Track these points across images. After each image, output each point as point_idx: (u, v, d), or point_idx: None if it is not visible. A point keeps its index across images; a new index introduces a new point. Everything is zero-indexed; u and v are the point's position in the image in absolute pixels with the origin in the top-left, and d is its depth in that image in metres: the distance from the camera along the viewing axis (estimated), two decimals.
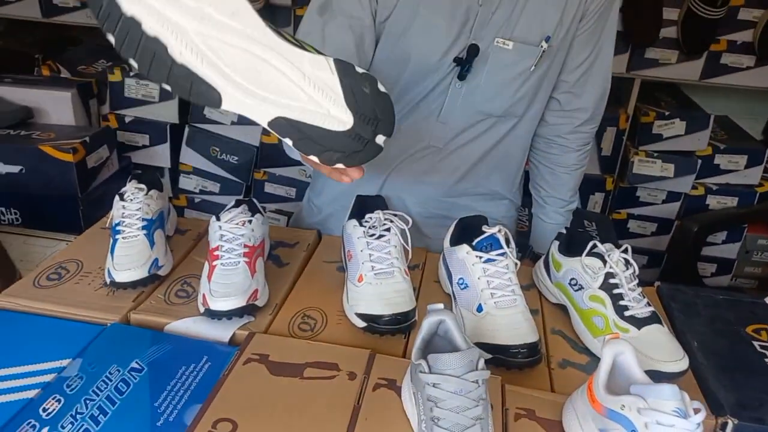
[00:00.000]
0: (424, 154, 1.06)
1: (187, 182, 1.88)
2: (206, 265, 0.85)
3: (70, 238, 1.03)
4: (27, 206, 1.47)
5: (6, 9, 1.88)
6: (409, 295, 0.82)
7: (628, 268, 0.85)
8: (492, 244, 0.84)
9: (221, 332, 0.79)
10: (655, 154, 1.87)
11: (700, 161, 1.87)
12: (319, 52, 0.63)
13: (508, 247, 0.84)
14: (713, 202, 1.96)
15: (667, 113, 1.83)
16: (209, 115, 1.73)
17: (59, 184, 1.46)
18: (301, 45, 0.62)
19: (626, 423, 0.58)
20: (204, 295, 0.80)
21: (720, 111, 2.02)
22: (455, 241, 0.90)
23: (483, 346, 0.77)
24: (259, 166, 1.81)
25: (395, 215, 0.89)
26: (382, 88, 0.65)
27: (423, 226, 1.11)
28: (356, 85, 0.64)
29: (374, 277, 0.82)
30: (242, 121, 1.73)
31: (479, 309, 0.80)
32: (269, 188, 1.84)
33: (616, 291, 0.82)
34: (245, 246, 0.84)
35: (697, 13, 1.68)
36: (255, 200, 0.96)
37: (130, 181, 0.95)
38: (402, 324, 0.79)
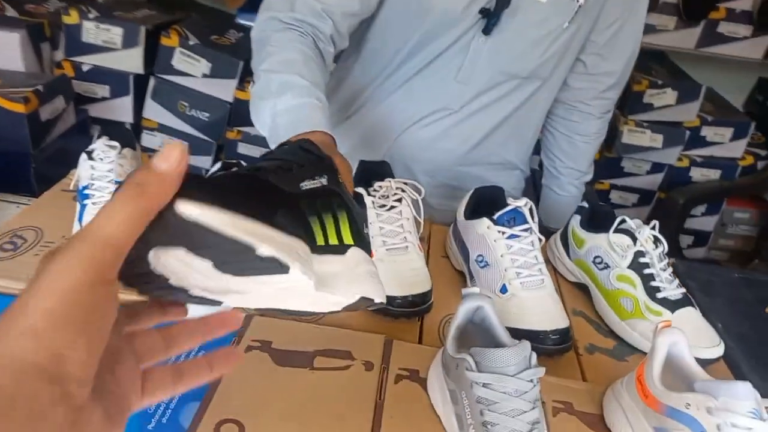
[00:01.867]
0: (437, 118, 0.96)
1: (150, 140, 1.72)
2: None
3: (22, 201, 0.89)
4: None
5: None
6: (424, 274, 0.73)
7: (657, 246, 0.78)
8: (515, 218, 0.75)
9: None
10: (645, 124, 1.82)
11: (688, 132, 1.84)
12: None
13: (532, 220, 0.76)
14: (696, 174, 1.94)
15: (660, 82, 1.78)
16: (177, 66, 1.57)
17: (8, 138, 1.29)
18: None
19: (693, 424, 0.52)
20: None
21: (706, 82, 1.99)
22: (471, 213, 0.82)
23: (508, 331, 0.69)
24: (233, 125, 1.67)
25: (406, 183, 0.80)
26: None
27: (429, 197, 1.01)
28: None
29: (386, 253, 0.73)
30: (215, 73, 1.58)
31: (503, 290, 0.72)
32: (243, 149, 1.71)
33: (646, 271, 0.76)
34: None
35: None
36: (243, 163, 0.85)
37: (99, 137, 0.82)
38: (419, 306, 0.71)
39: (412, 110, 0.96)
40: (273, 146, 0.70)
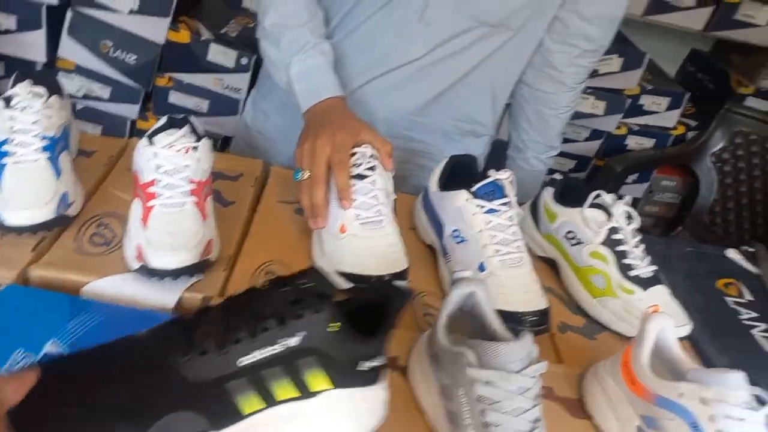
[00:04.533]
0: (400, 63, 0.89)
1: (67, 83, 1.51)
2: (137, 205, 0.65)
3: None
4: None
5: None
6: (401, 250, 0.68)
7: (630, 222, 0.78)
8: (495, 191, 0.72)
9: (163, 296, 0.61)
10: (589, 90, 1.83)
11: (629, 100, 1.87)
12: None
13: (512, 195, 0.72)
14: (632, 142, 1.98)
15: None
16: None
17: None
18: None
19: (685, 414, 0.51)
20: (139, 247, 0.61)
21: (645, 49, 2.02)
22: (446, 184, 0.77)
23: None
24: (163, 70, 1.51)
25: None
26: None
27: None
28: None
29: (360, 227, 0.67)
30: (145, 9, 1.41)
31: (481, 268, 0.69)
32: (174, 98, 1.55)
33: (619, 248, 0.75)
34: (191, 181, 0.65)
35: None
36: (193, 119, 0.75)
37: (16, 81, 0.69)
38: None
39: (375, 51, 0.89)
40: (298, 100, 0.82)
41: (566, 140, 1.97)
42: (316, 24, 0.87)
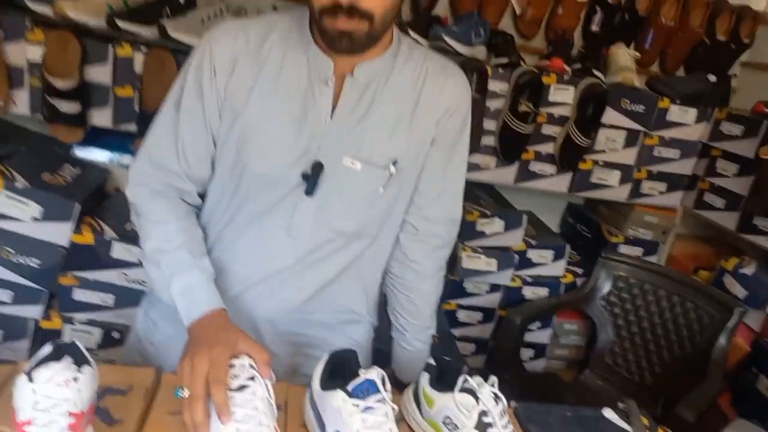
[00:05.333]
0: (274, 271, 0.99)
1: None
2: None
3: None
4: None
5: None
6: None
7: (498, 404, 0.85)
8: (369, 388, 0.78)
9: None
10: (480, 250, 2.00)
11: (517, 256, 2.05)
12: None
13: (385, 390, 0.79)
14: (528, 292, 2.15)
15: (488, 212, 1.99)
16: (3, 210, 1.44)
17: None
18: None
19: None
20: None
21: (527, 206, 2.26)
22: (326, 382, 0.83)
23: None
24: (68, 268, 1.54)
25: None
26: None
27: (272, 345, 1.01)
28: None
29: None
30: (47, 217, 1.47)
31: None
32: (80, 295, 1.55)
33: (490, 431, 0.81)
34: (71, 414, 0.67)
35: (511, 127, 1.88)
36: (79, 343, 0.78)
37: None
38: None
39: (251, 261, 0.99)
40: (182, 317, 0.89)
41: (470, 294, 2.11)
42: (194, 244, 0.95)
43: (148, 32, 1.60)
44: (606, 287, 2.06)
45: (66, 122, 1.61)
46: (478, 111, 1.85)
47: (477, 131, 1.89)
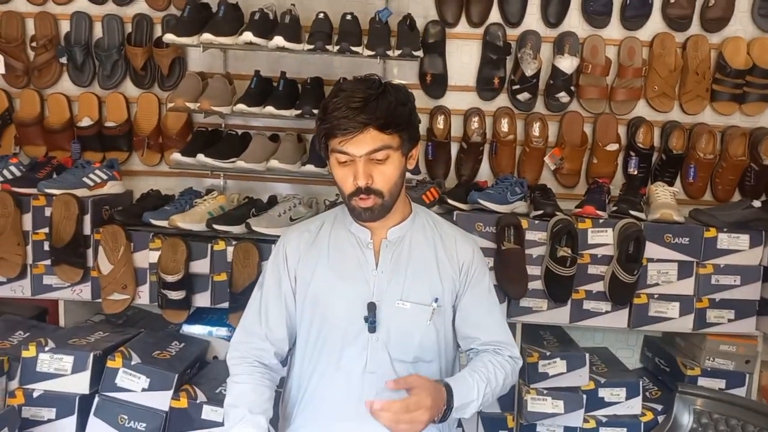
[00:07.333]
0: (358, 412, 1.21)
1: None
2: None
3: None
4: None
5: None
6: None
7: None
8: None
9: None
10: (545, 391, 2.03)
11: (585, 396, 2.05)
12: None
13: None
14: None
15: (548, 353, 2.05)
16: (120, 383, 1.77)
17: None
18: None
19: None
20: None
21: (599, 342, 2.27)
22: None
23: None
24: (165, 430, 1.81)
25: None
26: None
27: None
28: None
29: None
30: (153, 387, 1.78)
31: None
32: None
33: None
34: None
35: (553, 271, 2.01)
36: None
37: None
38: None
39: (337, 403, 1.28)
40: None
41: None
42: (256, 403, 1.25)
43: (237, 230, 2.04)
44: (687, 423, 1.98)
45: (174, 307, 2.01)
46: (519, 259, 2.02)
47: (522, 278, 2.05)
